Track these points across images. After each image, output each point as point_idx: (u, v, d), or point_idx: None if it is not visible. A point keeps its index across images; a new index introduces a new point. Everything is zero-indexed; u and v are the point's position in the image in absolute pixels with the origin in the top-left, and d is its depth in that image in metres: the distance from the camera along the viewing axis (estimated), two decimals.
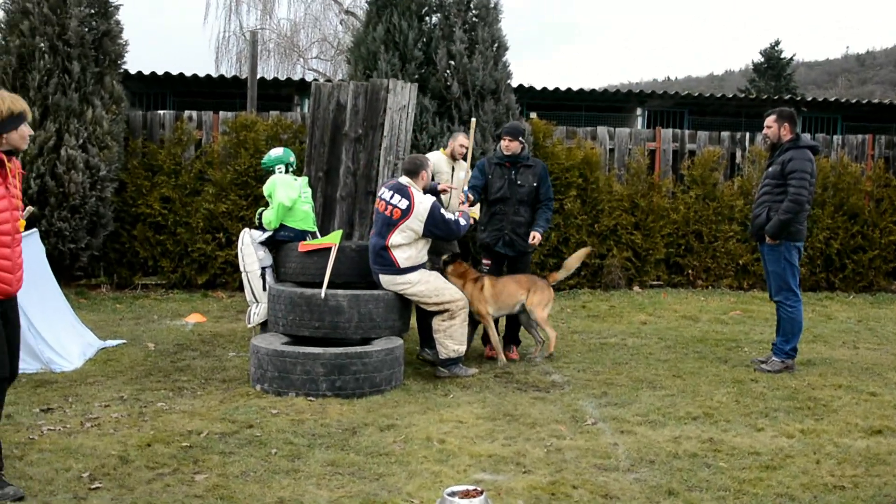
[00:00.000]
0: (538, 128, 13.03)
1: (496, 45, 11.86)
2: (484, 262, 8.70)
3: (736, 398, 6.98)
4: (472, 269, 8.41)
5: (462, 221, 7.72)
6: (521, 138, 8.66)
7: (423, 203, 7.54)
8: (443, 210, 7.62)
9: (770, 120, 8.13)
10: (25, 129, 4.57)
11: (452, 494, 4.51)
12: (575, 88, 17.18)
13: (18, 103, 4.50)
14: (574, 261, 8.83)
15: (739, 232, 13.36)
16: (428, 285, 7.57)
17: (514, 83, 15.07)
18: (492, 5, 11.89)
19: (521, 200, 8.55)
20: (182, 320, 10.19)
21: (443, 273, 8.09)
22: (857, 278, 13.51)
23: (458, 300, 7.61)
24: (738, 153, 14.08)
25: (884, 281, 13.74)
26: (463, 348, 7.63)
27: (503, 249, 8.57)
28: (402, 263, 7.52)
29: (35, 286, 7.22)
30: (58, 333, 7.83)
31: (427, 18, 11.85)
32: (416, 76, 11.45)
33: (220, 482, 4.85)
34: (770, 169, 8.12)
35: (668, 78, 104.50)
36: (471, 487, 4.60)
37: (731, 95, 18.57)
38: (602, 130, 13.79)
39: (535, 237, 8.59)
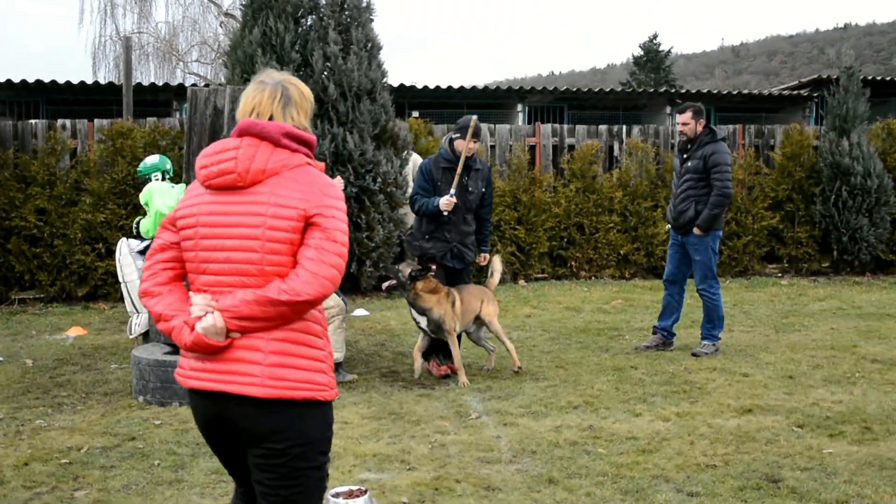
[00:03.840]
0: (415, 126, 13.17)
1: (370, 45, 11.84)
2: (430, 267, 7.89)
3: (616, 385, 7.19)
4: (440, 283, 7.62)
5: None
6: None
7: None
8: None
9: (686, 117, 8.35)
10: None
11: (336, 495, 4.55)
12: (456, 86, 17.32)
13: None
14: (497, 262, 8.33)
15: (619, 223, 13.71)
16: None
17: (396, 83, 15.22)
18: (364, 5, 11.85)
19: (470, 208, 7.96)
20: (62, 334, 9.93)
21: (407, 287, 7.48)
22: (733, 263, 13.95)
23: (332, 307, 7.49)
24: (616, 146, 14.42)
25: (758, 265, 14.23)
26: (339, 355, 7.55)
27: (451, 262, 7.93)
28: None
29: None
30: None
31: (303, 20, 11.79)
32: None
33: (101, 497, 4.79)
34: (690, 164, 8.34)
35: (553, 73, 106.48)
36: (354, 487, 4.66)
37: (608, 89, 18.99)
38: (482, 127, 13.91)
39: (486, 259, 8.30)
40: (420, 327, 7.62)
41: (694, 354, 8.31)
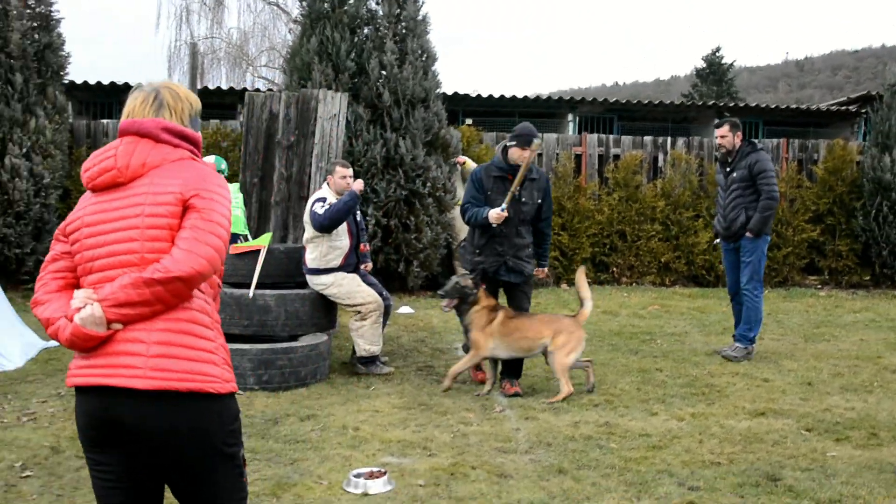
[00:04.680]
0: (466, 134, 13.62)
1: (425, 55, 12.33)
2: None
3: (638, 386, 7.48)
4: (491, 298, 7.39)
5: (319, 211, 7.81)
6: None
7: (311, 198, 8.09)
8: (317, 205, 7.88)
9: (724, 130, 8.75)
10: None
11: (358, 475, 5.01)
12: (508, 95, 17.66)
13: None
14: (582, 285, 7.59)
15: (661, 231, 13.99)
16: (341, 288, 7.91)
17: (451, 90, 15.68)
18: (420, 17, 12.35)
19: (524, 220, 7.43)
20: None
21: (472, 297, 7.26)
22: (773, 274, 14.08)
23: (370, 303, 7.88)
24: (661, 157, 14.68)
25: (798, 276, 14.38)
26: (376, 348, 7.91)
27: (507, 276, 7.44)
28: (309, 264, 7.96)
29: None
30: None
31: (359, 31, 12.28)
32: (350, 86, 11.88)
33: None
34: (735, 174, 8.70)
35: (616, 83, 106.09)
36: (375, 469, 5.12)
37: (657, 102, 19.19)
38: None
39: (544, 273, 7.88)
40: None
41: (724, 357, 8.61)
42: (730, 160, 8.77)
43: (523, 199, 7.33)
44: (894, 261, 13.84)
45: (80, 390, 2.88)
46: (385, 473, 5.04)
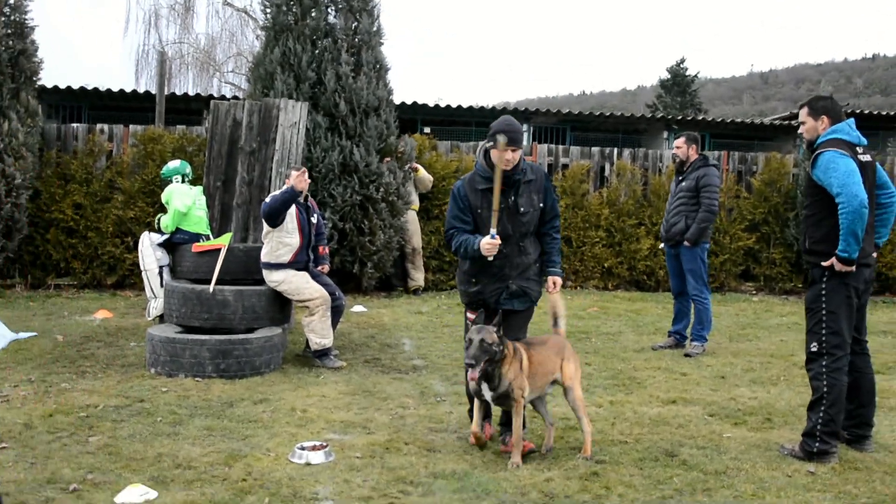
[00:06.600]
0: (420, 142, 14.33)
1: (378, 66, 12.95)
2: (468, 315, 6.14)
3: None
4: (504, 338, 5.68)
5: (267, 200, 8.40)
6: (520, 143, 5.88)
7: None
8: (268, 198, 8.45)
9: (680, 142, 9.65)
10: None
11: (302, 448, 5.65)
12: (465, 105, 18.32)
13: None
14: (559, 302, 6.43)
15: (605, 238, 14.66)
16: (290, 285, 8.50)
17: (409, 100, 16.32)
18: (374, 30, 12.99)
19: (526, 233, 6.00)
20: (90, 316, 10.98)
21: (500, 355, 5.55)
22: (710, 280, 14.70)
23: (317, 298, 8.47)
24: (607, 167, 15.34)
25: (734, 282, 15.15)
26: (327, 341, 8.47)
27: (510, 304, 6.03)
28: (263, 258, 8.57)
29: None
30: None
31: (318, 42, 12.88)
32: (310, 95, 12.48)
33: (110, 442, 5.80)
34: (684, 183, 9.57)
35: (584, 92, 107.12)
36: (318, 443, 5.76)
37: (608, 114, 19.95)
38: (482, 145, 14.88)
39: (557, 283, 6.23)
40: (481, 397, 5.79)
41: (686, 355, 9.33)
42: (684, 169, 9.60)
43: (521, 210, 5.95)
44: None
45: None
46: (326, 447, 5.67)
